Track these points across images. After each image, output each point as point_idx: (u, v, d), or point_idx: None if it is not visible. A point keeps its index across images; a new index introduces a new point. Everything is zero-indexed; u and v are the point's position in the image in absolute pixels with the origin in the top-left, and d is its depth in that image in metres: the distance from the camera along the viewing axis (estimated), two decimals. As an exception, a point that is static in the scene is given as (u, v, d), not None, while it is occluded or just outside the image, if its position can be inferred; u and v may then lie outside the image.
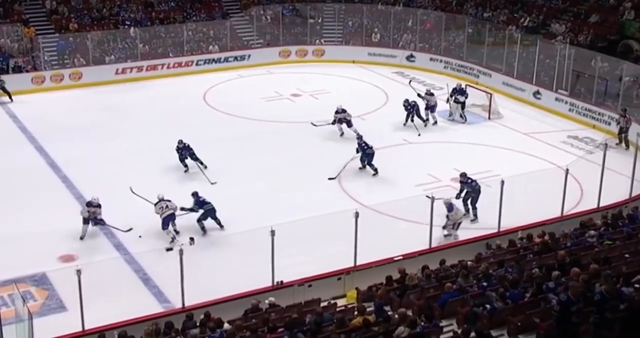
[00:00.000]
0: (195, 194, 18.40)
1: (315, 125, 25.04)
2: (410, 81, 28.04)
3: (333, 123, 24.91)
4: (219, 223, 18.18)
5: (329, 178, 21.22)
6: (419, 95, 26.30)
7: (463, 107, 26.80)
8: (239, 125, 26.01)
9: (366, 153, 21.79)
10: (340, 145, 23.93)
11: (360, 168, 21.99)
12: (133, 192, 18.62)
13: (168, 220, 17.75)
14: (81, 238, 17.98)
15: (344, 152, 22.79)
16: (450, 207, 17.89)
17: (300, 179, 21.50)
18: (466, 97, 26.84)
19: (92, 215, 17.98)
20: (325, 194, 20.50)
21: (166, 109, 27.62)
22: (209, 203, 18.22)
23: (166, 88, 30.41)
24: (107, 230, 18.33)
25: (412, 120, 25.65)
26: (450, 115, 26.71)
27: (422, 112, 25.95)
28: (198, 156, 21.70)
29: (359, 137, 22.26)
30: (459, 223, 18.05)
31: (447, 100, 27.11)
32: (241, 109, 27.44)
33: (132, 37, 32.44)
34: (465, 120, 26.55)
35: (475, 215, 18.98)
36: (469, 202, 19.18)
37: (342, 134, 24.86)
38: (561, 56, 28.75)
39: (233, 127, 25.86)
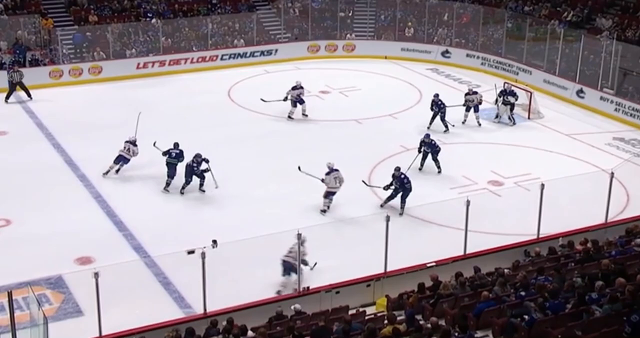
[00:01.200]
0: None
1: (265, 101, 25.67)
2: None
3: (285, 99, 25.64)
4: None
5: (363, 182, 21.09)
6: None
7: (512, 109, 26.55)
8: (267, 123, 26.07)
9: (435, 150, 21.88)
10: (376, 145, 23.89)
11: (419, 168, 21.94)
12: (155, 146, 21.06)
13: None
14: (104, 174, 21.04)
15: (378, 151, 22.81)
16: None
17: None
18: (516, 99, 26.62)
19: (127, 152, 20.87)
20: (355, 196, 20.44)
21: (189, 105, 27.77)
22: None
23: (189, 83, 30.58)
24: (127, 232, 18.49)
25: (443, 119, 25.44)
26: (496, 117, 26.55)
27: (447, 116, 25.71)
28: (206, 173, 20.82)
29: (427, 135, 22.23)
30: None
31: (496, 100, 26.93)
32: (267, 106, 27.51)
33: (154, 29, 32.68)
34: (514, 122, 26.37)
35: (402, 208, 19.27)
36: (398, 196, 19.47)
37: (290, 117, 25.76)
38: (607, 53, 28.51)
39: (260, 124, 25.94)
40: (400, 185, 19.61)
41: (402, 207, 19.37)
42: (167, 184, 20.75)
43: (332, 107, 27.93)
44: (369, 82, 30.91)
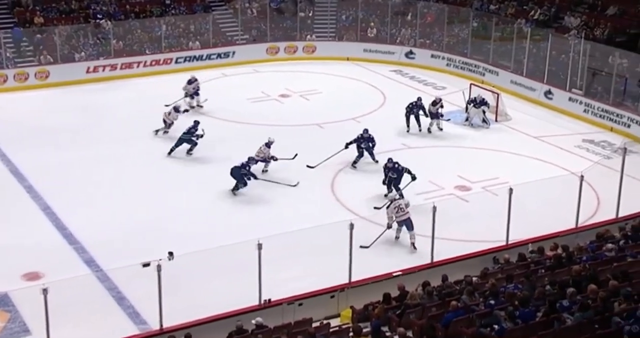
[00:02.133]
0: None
1: (167, 105, 26.38)
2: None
3: (186, 96, 27.37)
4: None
5: (308, 166, 21.71)
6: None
7: (485, 111, 26.85)
8: (223, 129, 25.98)
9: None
10: (339, 149, 23.93)
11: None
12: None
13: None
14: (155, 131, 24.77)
15: (341, 156, 22.88)
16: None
17: (290, 188, 21.49)
18: (488, 107, 26.87)
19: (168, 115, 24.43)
20: (318, 204, 20.52)
21: (142, 111, 27.54)
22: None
23: (143, 88, 30.39)
24: (77, 245, 18.30)
25: (417, 120, 25.77)
26: (466, 120, 26.73)
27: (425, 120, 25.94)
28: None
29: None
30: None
31: (466, 108, 27.15)
32: (225, 110, 27.43)
33: (105, 32, 32.44)
34: (489, 124, 26.66)
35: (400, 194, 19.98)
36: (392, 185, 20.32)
37: (187, 110, 26.31)
38: (575, 52, 28.84)
39: (216, 130, 25.80)
40: (396, 173, 20.49)
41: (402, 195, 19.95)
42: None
43: (293, 111, 27.95)
44: (331, 85, 30.96)
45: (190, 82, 27.86)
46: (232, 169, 21.11)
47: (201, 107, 27.74)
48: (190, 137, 23.51)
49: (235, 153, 23.65)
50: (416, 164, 22.82)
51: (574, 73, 28.54)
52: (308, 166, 22.40)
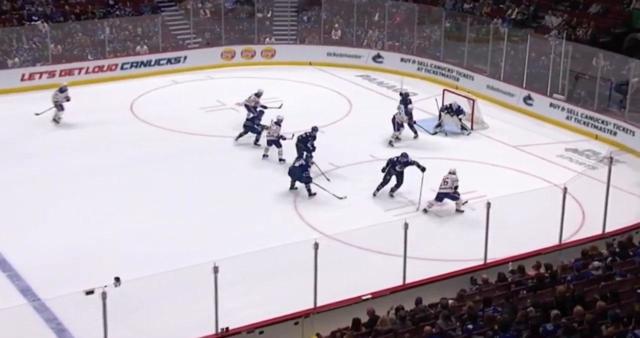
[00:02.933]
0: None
1: (37, 114, 26.67)
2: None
3: (56, 105, 27.01)
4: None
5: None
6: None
7: (461, 120, 27.12)
8: (175, 141, 25.89)
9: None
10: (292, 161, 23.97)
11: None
12: None
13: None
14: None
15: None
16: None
17: (250, 205, 21.44)
18: (465, 115, 27.12)
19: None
20: (279, 223, 20.48)
21: (85, 122, 27.38)
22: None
23: (85, 97, 30.05)
24: (11, 272, 18.07)
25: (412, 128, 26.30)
26: (437, 126, 26.91)
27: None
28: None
29: None
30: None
31: (439, 115, 27.35)
32: (176, 121, 27.31)
33: (41, 35, 32.19)
34: (469, 130, 27.03)
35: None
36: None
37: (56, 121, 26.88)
38: (556, 54, 29.15)
39: (167, 143, 25.73)
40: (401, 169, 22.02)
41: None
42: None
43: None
44: (292, 92, 30.94)
45: (62, 90, 27.24)
46: (291, 170, 22.04)
47: (57, 122, 27.09)
48: (253, 125, 25.06)
49: (187, 167, 23.65)
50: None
51: (555, 77, 28.85)
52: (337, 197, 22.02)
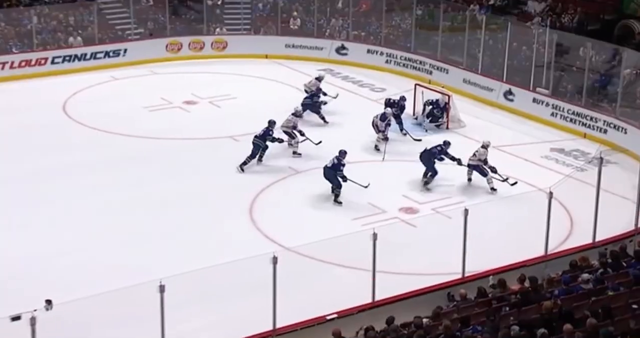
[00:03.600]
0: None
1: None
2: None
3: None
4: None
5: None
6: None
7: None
8: (115, 145, 25.74)
9: None
10: (258, 168, 23.98)
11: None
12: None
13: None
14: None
15: (261, 175, 22.94)
16: None
17: (199, 216, 21.38)
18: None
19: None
20: (232, 235, 20.42)
21: (11, 125, 27.15)
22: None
23: (9, 96, 29.93)
24: None
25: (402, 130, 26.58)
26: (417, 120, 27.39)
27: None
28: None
29: None
30: None
31: (423, 109, 27.58)
32: (116, 123, 27.15)
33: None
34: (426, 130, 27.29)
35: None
36: None
37: None
38: (540, 44, 29.36)
39: (107, 147, 25.57)
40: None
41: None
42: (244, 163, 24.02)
43: (201, 122, 27.89)
44: (247, 89, 30.93)
45: None
46: (325, 170, 22.41)
47: None
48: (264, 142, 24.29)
49: (129, 175, 23.51)
50: (351, 182, 22.99)
51: (538, 69, 29.02)
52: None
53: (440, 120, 27.39)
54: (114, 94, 30.50)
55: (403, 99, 27.05)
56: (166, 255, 19.26)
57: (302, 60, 33.99)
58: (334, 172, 22.20)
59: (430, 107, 27.41)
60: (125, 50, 33.74)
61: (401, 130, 26.56)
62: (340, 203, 22.17)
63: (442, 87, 29.50)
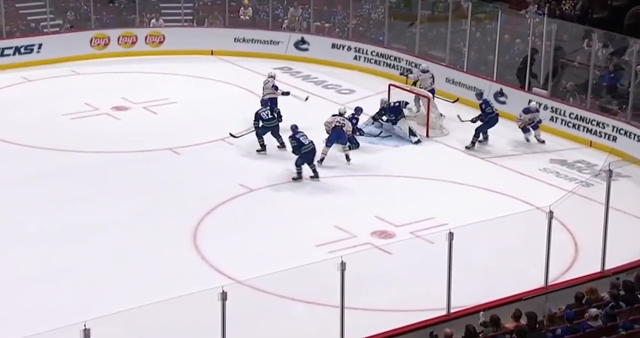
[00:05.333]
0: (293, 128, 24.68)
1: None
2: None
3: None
4: (314, 170, 24.58)
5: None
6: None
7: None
8: (29, 160, 25.65)
9: None
10: (203, 185, 24.02)
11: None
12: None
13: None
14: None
15: (206, 194, 23.03)
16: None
17: (131, 243, 21.33)
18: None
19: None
20: (173, 266, 20.35)
21: None
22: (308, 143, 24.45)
23: None
24: None
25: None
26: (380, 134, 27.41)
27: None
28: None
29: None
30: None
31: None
32: (31, 133, 27.04)
33: None
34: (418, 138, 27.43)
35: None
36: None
37: None
38: (536, 36, 29.54)
39: (18, 163, 25.45)
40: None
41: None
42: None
43: (134, 131, 27.87)
44: (188, 91, 30.92)
45: None
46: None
47: None
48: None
49: (47, 197, 23.39)
50: (316, 200, 23.05)
51: (535, 66, 29.22)
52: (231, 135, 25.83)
53: (381, 129, 27.58)
54: (27, 99, 30.35)
55: (358, 111, 27.12)
56: (93, 292, 19.19)
57: (254, 57, 33.99)
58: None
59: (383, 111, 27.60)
60: (40, 46, 33.65)
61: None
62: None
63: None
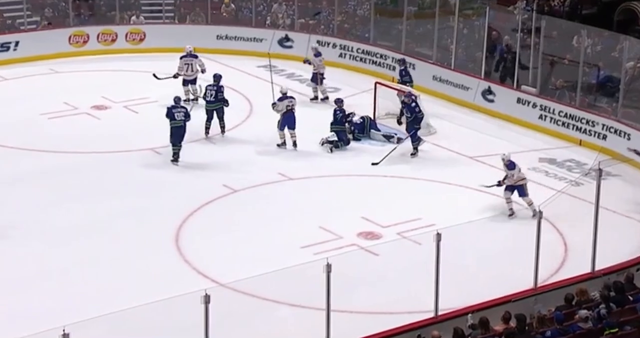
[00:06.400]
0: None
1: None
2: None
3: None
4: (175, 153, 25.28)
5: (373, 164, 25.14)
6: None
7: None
8: (6, 161, 25.65)
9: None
10: (188, 186, 24.09)
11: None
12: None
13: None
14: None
15: (191, 195, 23.09)
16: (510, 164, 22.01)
17: (114, 246, 21.31)
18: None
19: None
20: (156, 268, 20.34)
21: None
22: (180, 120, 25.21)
23: None
24: None
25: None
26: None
27: None
28: None
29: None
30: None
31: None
32: (7, 133, 27.00)
33: None
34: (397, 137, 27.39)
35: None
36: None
37: None
38: (525, 32, 29.57)
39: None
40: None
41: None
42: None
43: (114, 130, 27.86)
44: (170, 90, 30.84)
45: None
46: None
47: None
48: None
49: (25, 199, 23.36)
50: (299, 201, 23.10)
51: (524, 63, 29.26)
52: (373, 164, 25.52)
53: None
54: (3, 98, 30.29)
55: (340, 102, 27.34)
56: (72, 295, 19.15)
57: (237, 55, 34.04)
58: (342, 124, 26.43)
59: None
60: (17, 43, 33.61)
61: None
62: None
63: (407, 85, 29.66)
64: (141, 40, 34.86)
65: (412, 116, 26.03)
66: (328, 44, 33.61)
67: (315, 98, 30.22)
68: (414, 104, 26.14)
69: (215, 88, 27.06)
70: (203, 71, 29.70)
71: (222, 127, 27.17)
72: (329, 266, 16.07)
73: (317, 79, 30.19)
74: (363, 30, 33.82)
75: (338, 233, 21.80)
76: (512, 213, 22.18)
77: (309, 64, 30.35)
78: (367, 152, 26.60)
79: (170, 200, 23.42)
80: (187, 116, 25.38)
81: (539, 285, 18.80)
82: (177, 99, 25.78)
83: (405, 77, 29.03)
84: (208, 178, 24.36)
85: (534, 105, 28.56)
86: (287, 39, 34.36)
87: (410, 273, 19.23)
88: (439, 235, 17.11)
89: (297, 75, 32.31)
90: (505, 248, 20.39)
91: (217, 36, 34.71)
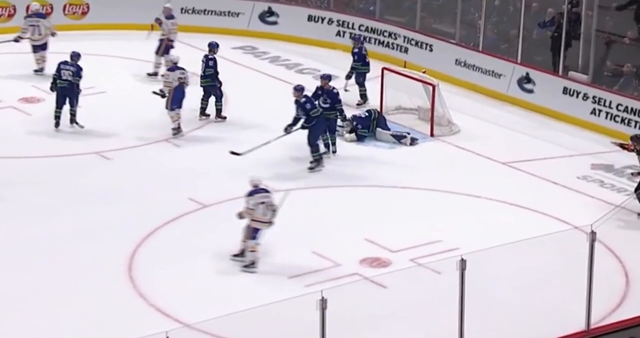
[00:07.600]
0: None
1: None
2: None
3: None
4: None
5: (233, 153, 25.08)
6: None
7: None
8: None
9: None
10: (144, 199, 24.14)
11: None
12: None
13: None
14: None
15: (139, 216, 23.11)
16: None
17: (51, 277, 21.33)
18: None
19: None
20: (103, 304, 20.38)
21: None
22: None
23: None
24: None
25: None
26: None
27: None
28: None
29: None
30: None
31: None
32: None
33: None
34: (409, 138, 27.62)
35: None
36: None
37: None
38: (573, 4, 29.65)
39: None
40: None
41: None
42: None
43: (49, 129, 28.02)
44: (122, 78, 30.99)
45: None
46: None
47: None
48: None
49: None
50: (285, 219, 23.14)
51: (572, 43, 29.34)
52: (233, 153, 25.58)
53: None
54: None
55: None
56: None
57: (207, 33, 33.99)
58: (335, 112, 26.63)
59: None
60: None
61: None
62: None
63: (423, 72, 29.73)
64: (84, 13, 35.11)
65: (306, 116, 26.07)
66: (322, 19, 33.85)
67: (155, 74, 31.09)
68: (303, 100, 26.07)
69: (205, 59, 28.32)
70: (53, 34, 30.94)
71: (218, 111, 28.40)
72: (324, 301, 16.15)
73: (162, 46, 31.16)
74: (367, 2, 33.90)
75: (335, 259, 21.85)
76: None
77: (159, 25, 31.19)
78: (371, 155, 26.68)
79: (121, 219, 23.40)
80: (76, 75, 27.54)
81: (592, 326, 18.78)
82: (73, 55, 28.02)
83: (358, 62, 29.30)
84: (169, 190, 24.35)
85: (585, 97, 28.66)
86: (270, 12, 34.48)
87: (427, 310, 19.29)
88: (463, 262, 17.12)
89: (282, 59, 32.44)
90: (547, 278, 20.40)
91: (182, 9, 34.87)
